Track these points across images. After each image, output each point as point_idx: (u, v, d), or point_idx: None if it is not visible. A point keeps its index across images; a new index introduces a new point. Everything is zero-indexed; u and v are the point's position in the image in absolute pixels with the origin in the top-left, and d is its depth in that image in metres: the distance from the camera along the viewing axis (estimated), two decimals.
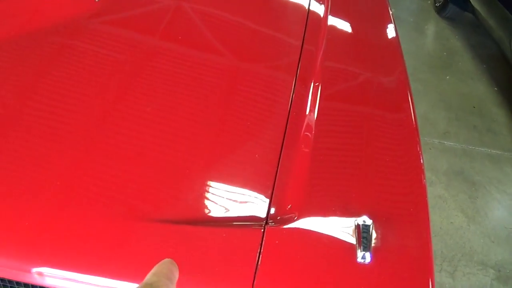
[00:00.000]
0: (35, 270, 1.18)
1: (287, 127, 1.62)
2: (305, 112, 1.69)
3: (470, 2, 6.81)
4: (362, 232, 1.29)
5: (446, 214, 4.05)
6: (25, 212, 1.25)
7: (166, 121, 1.58)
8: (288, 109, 1.69)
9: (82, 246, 1.21)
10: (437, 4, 7.89)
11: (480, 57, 6.70)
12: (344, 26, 2.36)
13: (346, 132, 1.67)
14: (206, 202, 1.35)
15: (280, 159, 1.50)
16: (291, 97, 1.75)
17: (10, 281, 1.25)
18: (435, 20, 7.77)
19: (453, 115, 5.33)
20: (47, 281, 1.20)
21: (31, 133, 1.46)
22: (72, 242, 1.21)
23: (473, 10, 6.83)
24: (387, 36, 2.41)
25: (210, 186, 1.40)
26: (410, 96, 1.91)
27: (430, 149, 4.70)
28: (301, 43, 2.07)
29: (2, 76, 1.63)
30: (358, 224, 1.31)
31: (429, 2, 8.33)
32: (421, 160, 1.62)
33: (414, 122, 1.77)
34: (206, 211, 1.33)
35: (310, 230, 1.31)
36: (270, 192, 1.40)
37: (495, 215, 4.17)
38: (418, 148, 1.66)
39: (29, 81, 1.63)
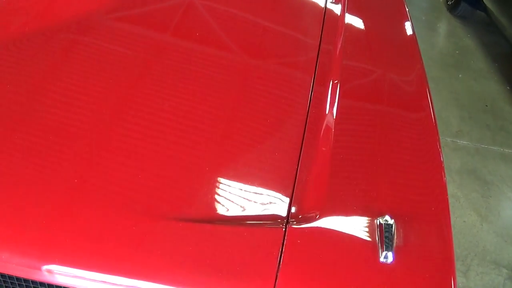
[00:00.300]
0: (53, 269, 1.17)
1: (307, 125, 1.61)
2: (324, 111, 1.68)
3: (482, 0, 6.77)
4: (384, 232, 1.28)
5: (459, 213, 4.02)
6: (43, 210, 1.24)
7: (184, 120, 1.56)
8: (307, 107, 1.68)
9: (101, 245, 1.21)
10: (449, 3, 7.85)
11: (492, 56, 6.66)
12: (361, 24, 2.35)
13: (366, 131, 1.65)
14: (226, 201, 1.34)
15: (300, 158, 1.48)
16: (310, 95, 1.74)
17: (25, 280, 1.25)
18: (447, 18, 7.73)
19: (465, 113, 5.29)
20: (65, 280, 1.19)
21: (47, 131, 1.45)
22: (90, 241, 1.21)
23: (485, 9, 6.79)
24: (405, 34, 2.40)
25: (230, 185, 1.39)
26: (429, 94, 1.90)
27: (443, 147, 4.67)
28: (318, 42, 2.06)
29: (15, 72, 1.62)
30: (380, 223, 1.30)
31: (441, 0, 8.29)
32: (441, 159, 1.61)
33: (433, 120, 1.75)
34: (226, 210, 1.32)
35: (332, 230, 1.30)
36: (290, 191, 1.38)
37: (508, 214, 4.15)
38: (438, 147, 1.65)
39: (42, 78, 1.62)
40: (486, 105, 5.54)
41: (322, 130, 1.60)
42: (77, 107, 1.54)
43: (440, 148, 1.65)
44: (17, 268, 1.19)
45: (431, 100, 1.88)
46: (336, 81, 1.81)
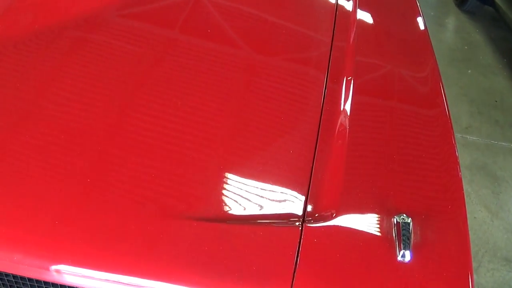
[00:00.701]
0: (65, 269, 1.16)
1: (321, 122, 1.59)
2: (339, 108, 1.67)
3: None
4: (401, 230, 1.26)
5: (469, 209, 4.00)
6: (56, 211, 1.23)
7: (198, 118, 1.55)
8: (321, 104, 1.67)
9: (115, 245, 1.19)
10: None
11: (501, 51, 6.64)
12: (374, 20, 2.33)
13: (381, 128, 1.64)
14: (241, 200, 1.33)
15: (315, 156, 1.47)
16: (323, 92, 1.72)
17: (38, 281, 1.24)
18: (456, 13, 7.70)
19: (475, 109, 5.28)
20: (78, 281, 1.18)
21: (57, 128, 1.43)
22: (104, 241, 1.19)
23: (493, 4, 6.76)
24: (417, 29, 2.39)
25: (245, 184, 1.38)
26: (443, 90, 1.89)
27: None
28: (331, 38, 2.04)
29: (24, 70, 1.61)
30: (397, 221, 1.29)
31: None
32: (457, 155, 1.59)
33: (448, 117, 1.74)
34: (242, 209, 1.31)
35: (349, 228, 1.28)
36: (306, 189, 1.37)
37: None
38: (453, 143, 1.64)
39: (51, 76, 1.61)
40: (496, 101, 5.51)
41: (337, 128, 1.58)
42: (87, 105, 1.52)
43: (455, 144, 1.64)
44: (30, 269, 1.18)
45: (445, 96, 1.86)
46: (350, 78, 1.80)
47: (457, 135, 4.79)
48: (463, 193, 1.47)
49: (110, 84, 1.61)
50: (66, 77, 1.61)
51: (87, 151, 1.38)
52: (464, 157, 4.52)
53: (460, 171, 1.54)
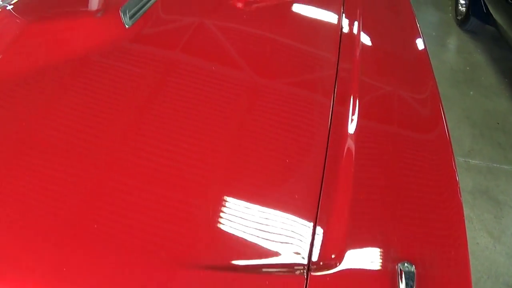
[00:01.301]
0: None
1: (326, 160, 1.58)
2: (343, 146, 1.65)
3: (491, 15, 6.78)
4: (405, 279, 1.27)
5: (471, 234, 4.01)
6: (61, 258, 1.23)
7: (199, 163, 1.54)
8: (327, 141, 1.65)
9: None
10: (459, 18, 7.87)
11: (502, 71, 6.66)
12: (376, 42, 2.35)
13: (386, 167, 1.63)
14: (246, 247, 1.33)
15: (320, 200, 1.47)
16: (329, 126, 1.71)
17: None
18: (457, 33, 7.74)
19: (477, 131, 5.29)
20: None
21: (62, 168, 1.43)
22: None
23: (494, 23, 6.80)
24: (417, 51, 2.42)
25: (249, 231, 1.37)
26: (443, 113, 1.91)
27: None
28: (336, 64, 2.04)
29: (30, 105, 1.61)
30: (401, 270, 1.29)
31: (450, 15, 8.30)
32: (459, 196, 1.60)
33: (448, 142, 1.75)
34: (247, 257, 1.31)
35: (353, 277, 1.29)
36: (311, 236, 1.37)
37: None
38: (454, 170, 1.65)
39: (56, 111, 1.61)
40: (498, 123, 5.53)
41: (342, 165, 1.58)
42: (89, 143, 1.52)
43: (456, 171, 1.65)
44: None
45: (445, 119, 1.88)
46: (354, 115, 1.79)
47: (460, 159, 4.80)
48: (466, 237, 1.48)
49: (112, 113, 1.61)
50: (68, 105, 1.61)
51: (91, 196, 1.38)
52: (466, 182, 4.53)
53: (463, 212, 1.54)
